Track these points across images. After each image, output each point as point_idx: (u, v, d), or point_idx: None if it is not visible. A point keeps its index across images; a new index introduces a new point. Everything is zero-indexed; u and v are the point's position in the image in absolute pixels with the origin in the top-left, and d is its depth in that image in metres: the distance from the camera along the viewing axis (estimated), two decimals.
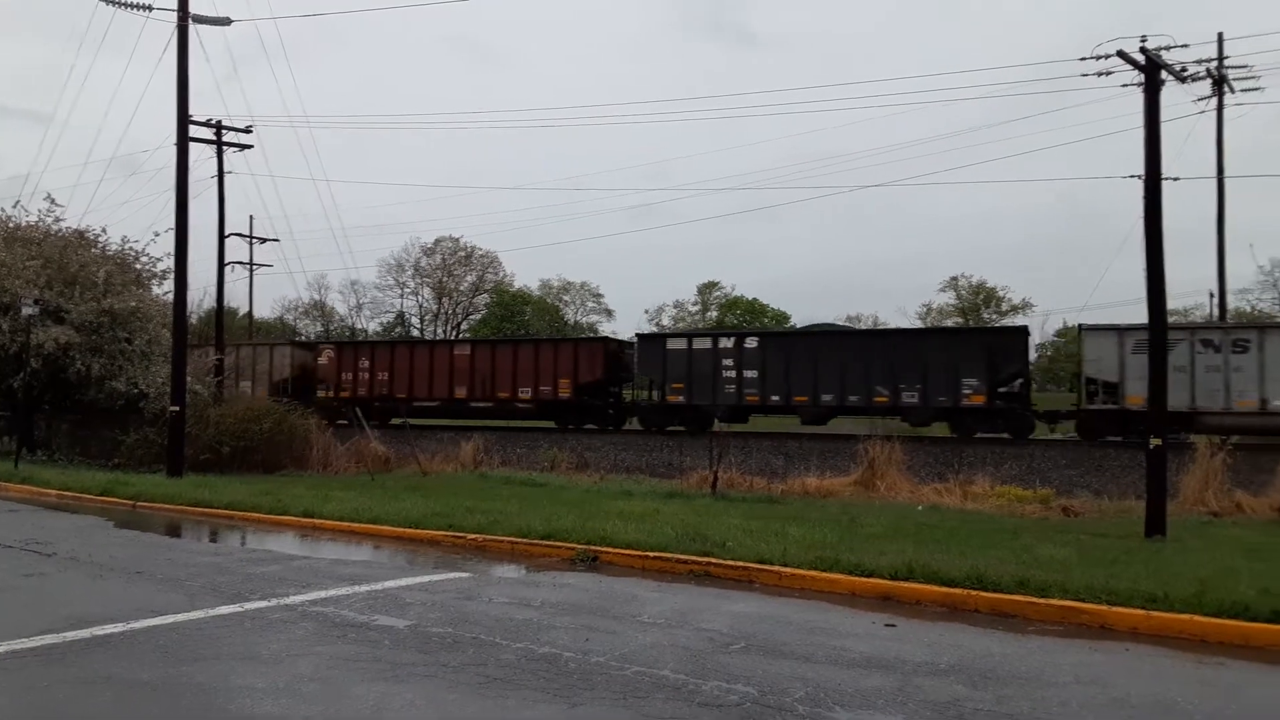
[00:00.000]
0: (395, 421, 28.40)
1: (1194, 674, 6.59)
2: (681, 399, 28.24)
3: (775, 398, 27.27)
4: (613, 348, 31.50)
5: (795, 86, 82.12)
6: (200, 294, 40.28)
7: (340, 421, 32.13)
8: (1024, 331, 27.09)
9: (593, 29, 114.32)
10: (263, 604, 8.35)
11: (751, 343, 28.19)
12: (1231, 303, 36.17)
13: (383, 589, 9.16)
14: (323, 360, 34.15)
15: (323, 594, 8.84)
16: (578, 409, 30.38)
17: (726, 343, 28.34)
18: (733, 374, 27.74)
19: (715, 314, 76.17)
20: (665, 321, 77.64)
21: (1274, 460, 17.18)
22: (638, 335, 33.12)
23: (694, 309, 78.98)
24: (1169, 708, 5.74)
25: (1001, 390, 25.27)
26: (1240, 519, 15.34)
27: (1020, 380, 25.73)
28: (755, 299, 74.85)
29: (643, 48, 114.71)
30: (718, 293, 78.25)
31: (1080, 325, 25.25)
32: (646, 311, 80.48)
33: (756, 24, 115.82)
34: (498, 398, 31.17)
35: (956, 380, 25.11)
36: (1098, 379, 24.07)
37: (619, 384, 31.50)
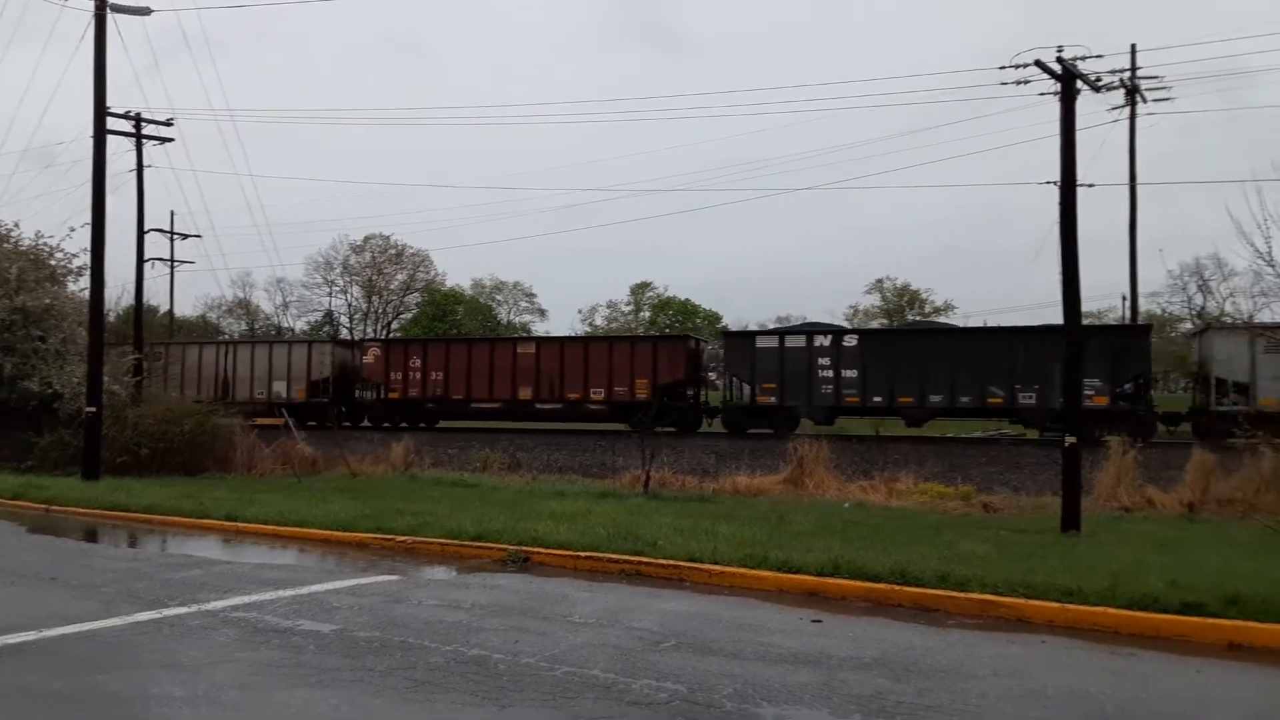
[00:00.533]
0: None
1: (1107, 665, 6.81)
2: (773, 400, 27.01)
3: (877, 398, 26.04)
4: (693, 346, 30.47)
5: (720, 90, 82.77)
6: (118, 291, 39.07)
7: (384, 425, 31.11)
8: (1147, 330, 26.19)
9: (525, 30, 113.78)
10: (182, 610, 8.16)
11: (851, 340, 26.77)
12: (1143, 305, 37.30)
13: (308, 593, 9.01)
14: (368, 359, 32.29)
15: (245, 599, 8.67)
16: (656, 411, 28.86)
17: (823, 340, 26.81)
18: (830, 374, 26.34)
19: (648, 314, 76.33)
20: (599, 322, 77.62)
21: (1183, 458, 17.84)
22: (724, 332, 31.55)
23: (627, 309, 79.06)
24: (1083, 698, 5.92)
25: (1118, 391, 24.44)
26: (1151, 514, 15.88)
27: (1142, 380, 24.87)
28: (688, 300, 75.31)
29: (575, 50, 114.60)
30: (650, 293, 78.49)
31: (1208, 323, 24.72)
32: (580, 311, 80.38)
33: (686, 29, 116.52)
34: (567, 399, 29.87)
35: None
36: (1228, 379, 23.65)
37: (697, 385, 30.51)
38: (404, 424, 31.06)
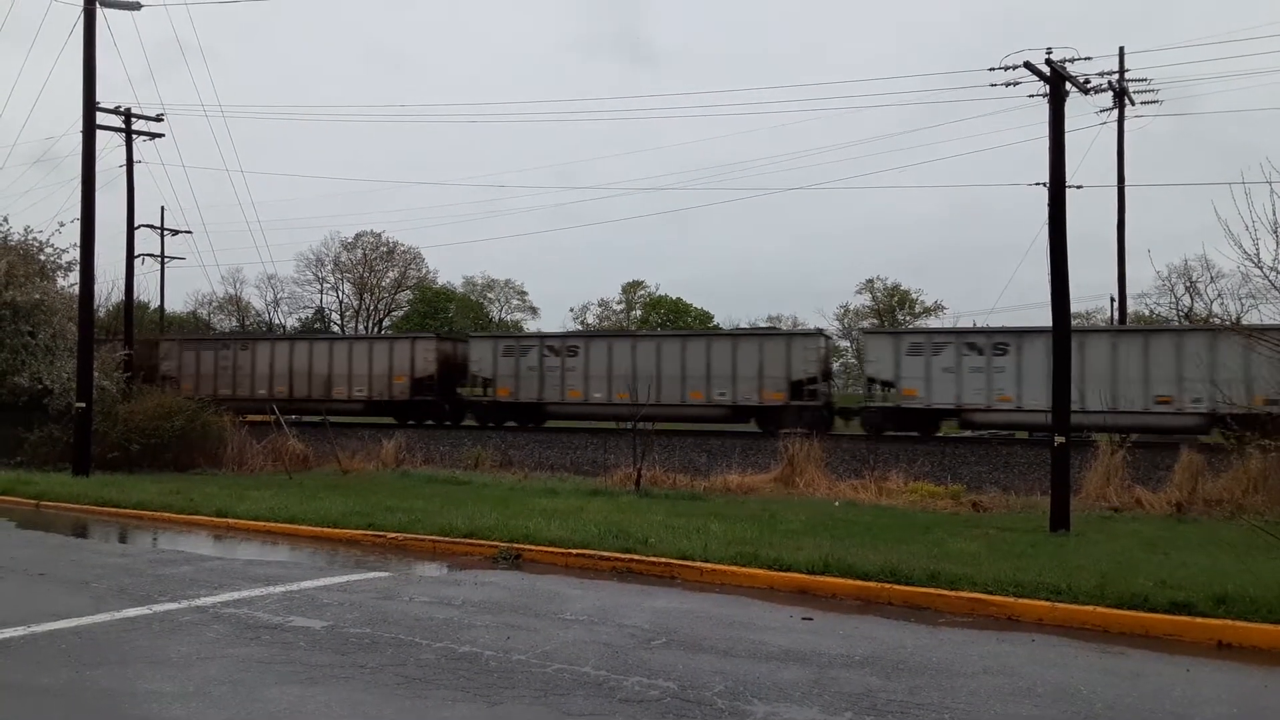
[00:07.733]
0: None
1: (1096, 663, 6.84)
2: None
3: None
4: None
5: (710, 90, 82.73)
6: (108, 287, 38.62)
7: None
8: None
9: (508, 41, 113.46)
10: (172, 606, 8.13)
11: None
12: (1131, 307, 37.55)
13: (299, 589, 8.99)
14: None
15: (236, 595, 8.65)
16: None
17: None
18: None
19: (639, 313, 76.32)
20: (590, 320, 77.58)
21: (1171, 458, 17.92)
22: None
23: (619, 308, 79.02)
24: (1072, 696, 5.95)
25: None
26: (1139, 514, 15.94)
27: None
28: (679, 298, 75.32)
29: (558, 61, 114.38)
30: (642, 292, 78.45)
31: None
32: (571, 310, 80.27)
33: (667, 38, 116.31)
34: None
35: None
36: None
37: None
38: None
